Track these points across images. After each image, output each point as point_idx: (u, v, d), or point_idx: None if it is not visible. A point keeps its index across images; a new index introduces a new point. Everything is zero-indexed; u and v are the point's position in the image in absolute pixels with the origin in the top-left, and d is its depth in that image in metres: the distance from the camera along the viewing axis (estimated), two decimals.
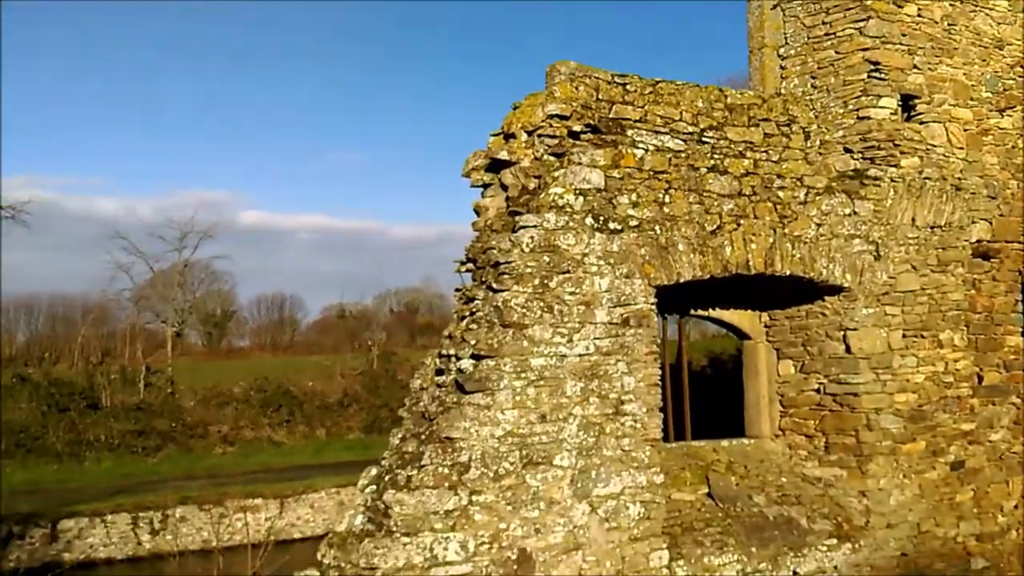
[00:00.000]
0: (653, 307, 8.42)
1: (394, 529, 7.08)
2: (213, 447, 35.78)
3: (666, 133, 8.77)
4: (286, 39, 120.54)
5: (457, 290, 8.63)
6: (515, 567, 7.36)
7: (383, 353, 44.79)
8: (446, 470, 7.29)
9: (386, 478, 7.78)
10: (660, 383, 8.42)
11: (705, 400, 12.60)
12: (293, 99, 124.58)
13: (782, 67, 10.70)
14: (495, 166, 8.61)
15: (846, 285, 9.79)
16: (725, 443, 10.09)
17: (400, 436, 8.26)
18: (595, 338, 8.00)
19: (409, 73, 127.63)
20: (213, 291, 66.66)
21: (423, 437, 7.81)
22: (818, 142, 10.07)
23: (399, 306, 76.01)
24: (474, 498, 7.30)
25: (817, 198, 9.77)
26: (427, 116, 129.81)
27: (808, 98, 10.31)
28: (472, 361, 7.69)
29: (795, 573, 8.92)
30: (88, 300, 57.78)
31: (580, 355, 7.90)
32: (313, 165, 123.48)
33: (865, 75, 9.99)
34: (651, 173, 8.60)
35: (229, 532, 22.40)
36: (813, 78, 10.39)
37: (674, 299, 9.60)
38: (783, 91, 10.48)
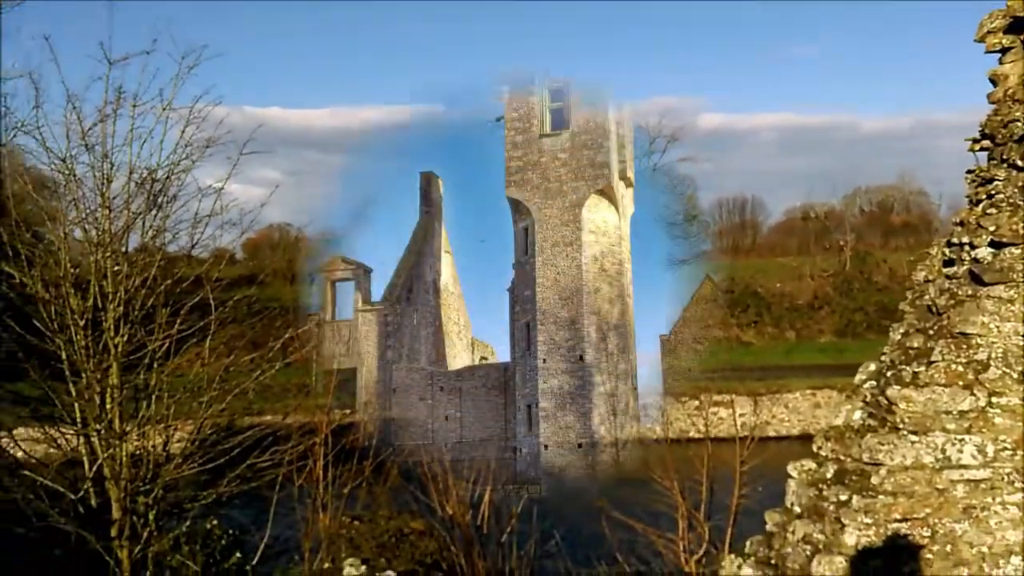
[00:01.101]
0: None
1: (900, 426, 6.71)
2: None
3: None
4: None
5: (969, 172, 7.72)
6: None
7: (856, 254, 42.74)
8: (960, 368, 6.69)
9: (888, 374, 7.37)
10: None
11: None
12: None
13: None
14: (1017, 26, 7.45)
15: None
16: None
17: (902, 331, 7.75)
18: None
19: None
20: (677, 195, 68.58)
21: (930, 332, 7.23)
22: None
23: (871, 205, 71.23)
24: (994, 400, 6.61)
25: None
26: None
27: None
28: (991, 250, 6.88)
29: None
30: None
31: None
32: (774, 63, 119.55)
33: None
34: None
35: (705, 424, 23.39)
36: None
37: None
38: None
